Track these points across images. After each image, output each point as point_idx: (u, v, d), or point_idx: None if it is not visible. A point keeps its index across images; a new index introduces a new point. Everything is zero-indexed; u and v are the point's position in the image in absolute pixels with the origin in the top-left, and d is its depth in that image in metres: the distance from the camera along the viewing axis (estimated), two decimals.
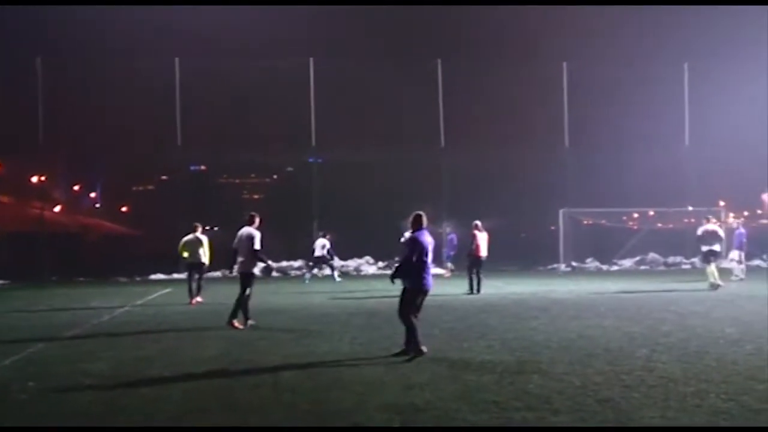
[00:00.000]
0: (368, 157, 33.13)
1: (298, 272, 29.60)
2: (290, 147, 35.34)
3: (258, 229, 13.15)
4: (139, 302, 18.47)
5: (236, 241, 13.17)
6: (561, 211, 30.68)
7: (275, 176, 67.06)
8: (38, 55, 30.67)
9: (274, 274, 29.81)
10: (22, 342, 11.51)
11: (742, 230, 24.56)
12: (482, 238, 19.35)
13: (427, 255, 9.65)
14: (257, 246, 12.88)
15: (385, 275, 28.67)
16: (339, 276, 25.80)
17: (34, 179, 45.86)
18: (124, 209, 66.42)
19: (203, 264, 17.61)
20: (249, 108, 35.97)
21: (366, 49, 34.07)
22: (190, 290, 17.53)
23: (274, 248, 31.93)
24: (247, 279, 13.03)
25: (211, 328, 12.87)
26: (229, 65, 32.39)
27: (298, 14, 35.19)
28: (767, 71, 32.71)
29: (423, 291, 9.71)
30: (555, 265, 30.53)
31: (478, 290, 18.92)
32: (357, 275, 29.32)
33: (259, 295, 19.59)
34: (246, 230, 13.08)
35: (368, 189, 35.51)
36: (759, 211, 37.15)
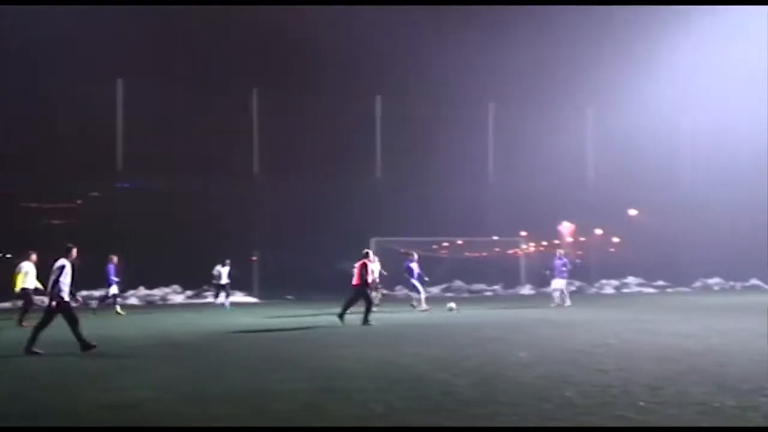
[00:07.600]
0: (176, 185, 32.10)
1: (93, 302, 28.11)
2: (97, 171, 33.57)
3: (72, 260, 13.16)
4: None
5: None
6: (373, 240, 31.17)
7: (79, 201, 63.49)
8: None
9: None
10: None
11: (564, 260, 25.90)
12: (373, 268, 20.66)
13: None
14: (59, 277, 12.84)
15: (193, 304, 27.89)
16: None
17: None
18: None
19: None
20: (57, 129, 33.38)
21: (178, 73, 32.60)
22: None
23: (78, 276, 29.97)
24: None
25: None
26: (37, 87, 30.30)
27: (107, 34, 33.17)
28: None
29: None
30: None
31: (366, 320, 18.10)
32: (164, 304, 28.22)
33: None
34: (58, 261, 13.08)
35: (177, 217, 33.96)
36: (556, 241, 40.04)
